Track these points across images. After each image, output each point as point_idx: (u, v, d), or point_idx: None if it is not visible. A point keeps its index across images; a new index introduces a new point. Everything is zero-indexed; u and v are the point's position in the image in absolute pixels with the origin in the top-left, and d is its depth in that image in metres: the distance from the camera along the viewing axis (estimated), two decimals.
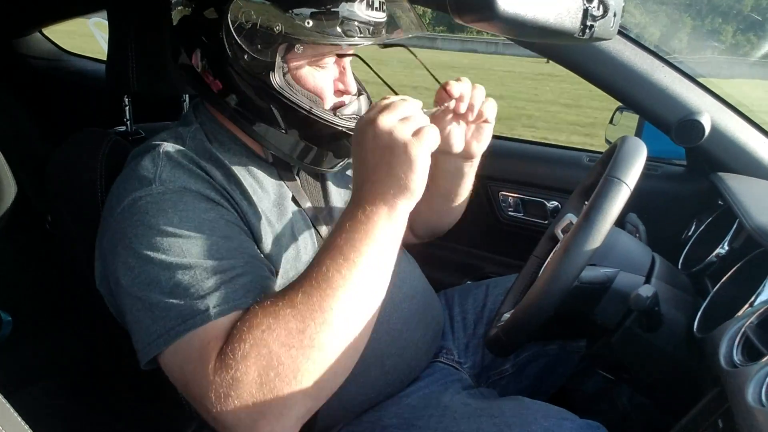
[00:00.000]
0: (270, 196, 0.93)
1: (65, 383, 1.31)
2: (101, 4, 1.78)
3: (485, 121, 0.97)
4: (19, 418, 0.53)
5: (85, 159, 0.99)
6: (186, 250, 0.75)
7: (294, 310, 0.68)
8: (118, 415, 1.17)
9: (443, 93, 0.92)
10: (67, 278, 1.16)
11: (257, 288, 0.75)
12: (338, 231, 0.72)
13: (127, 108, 1.16)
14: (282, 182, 0.97)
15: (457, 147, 0.99)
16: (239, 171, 0.90)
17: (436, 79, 0.94)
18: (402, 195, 0.71)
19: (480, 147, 1.02)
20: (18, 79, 2.12)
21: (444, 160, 1.05)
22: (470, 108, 0.94)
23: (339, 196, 1.06)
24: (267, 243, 0.88)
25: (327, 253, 0.71)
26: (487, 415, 0.91)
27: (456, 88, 0.91)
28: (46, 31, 2.27)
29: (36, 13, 2.00)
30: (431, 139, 0.72)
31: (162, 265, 0.74)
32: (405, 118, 0.72)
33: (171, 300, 0.72)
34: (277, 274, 0.87)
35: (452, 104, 0.93)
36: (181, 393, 0.75)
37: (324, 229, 0.99)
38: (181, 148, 0.87)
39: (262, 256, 0.85)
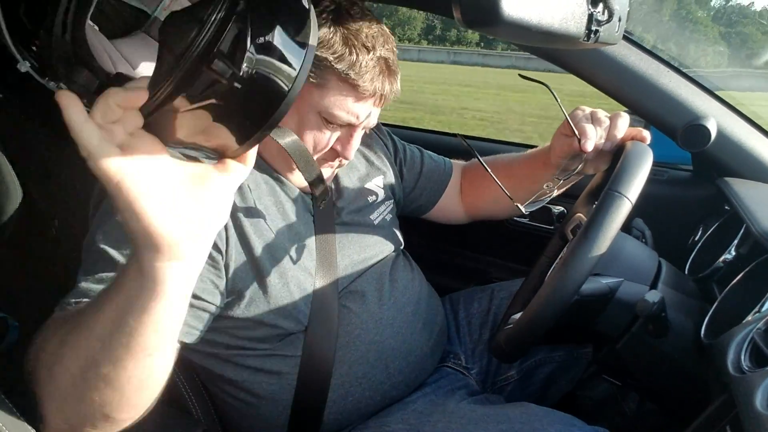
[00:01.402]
0: (273, 192, 0.95)
1: None
2: None
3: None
4: (27, 425, 0.53)
5: None
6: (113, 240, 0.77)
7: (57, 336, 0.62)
8: None
9: (575, 143, 0.97)
10: (74, 283, 1.16)
11: None
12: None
13: None
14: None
15: (575, 168, 1.06)
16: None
17: (572, 126, 0.97)
18: (140, 239, 0.50)
19: (598, 170, 1.07)
20: (25, 85, 2.13)
21: (554, 170, 1.10)
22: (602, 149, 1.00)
23: (346, 175, 1.09)
24: (258, 241, 0.89)
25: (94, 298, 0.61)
26: (493, 422, 0.91)
27: (590, 143, 0.95)
28: None
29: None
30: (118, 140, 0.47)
31: (87, 245, 0.79)
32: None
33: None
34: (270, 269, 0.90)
35: (589, 156, 1.01)
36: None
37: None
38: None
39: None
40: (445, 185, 1.29)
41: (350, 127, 0.94)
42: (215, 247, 0.84)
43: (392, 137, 1.28)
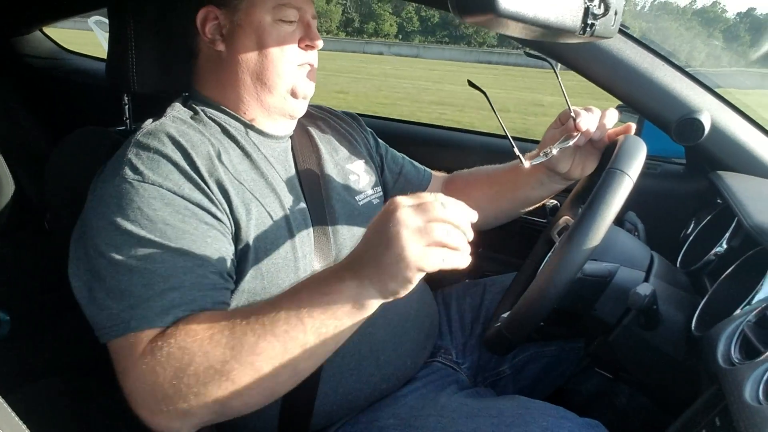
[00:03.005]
0: (257, 163, 0.96)
1: (63, 383, 1.31)
2: (102, 2, 1.78)
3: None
4: (17, 418, 0.53)
5: (85, 157, 0.99)
6: (133, 252, 0.77)
7: (230, 337, 0.71)
8: (118, 415, 1.17)
9: (570, 123, 0.99)
10: (65, 277, 1.16)
11: (183, 304, 0.77)
12: (309, 285, 0.73)
13: (127, 107, 1.16)
14: (273, 146, 1.02)
15: (562, 168, 1.06)
16: (224, 141, 0.94)
17: (569, 106, 0.99)
18: (376, 288, 0.69)
19: (584, 173, 1.08)
20: (18, 78, 2.12)
21: (539, 174, 1.10)
22: (592, 137, 1.01)
23: (330, 157, 1.11)
24: (243, 211, 0.89)
25: (287, 299, 0.72)
26: (485, 415, 0.91)
27: (584, 121, 0.97)
28: (47, 29, 2.27)
29: (36, 12, 2.00)
30: (436, 260, 0.66)
31: (111, 262, 0.77)
32: (424, 228, 0.65)
33: (108, 301, 0.76)
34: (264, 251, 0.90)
35: (581, 141, 1.00)
36: None
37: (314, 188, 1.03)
38: (157, 129, 0.88)
39: (214, 255, 0.83)
40: (423, 191, 1.30)
41: (302, 19, 0.99)
42: (224, 223, 0.87)
43: (373, 135, 1.30)
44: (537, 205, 1.21)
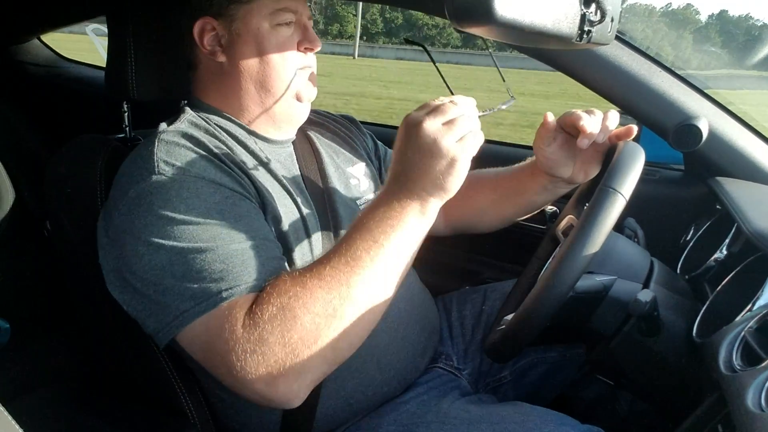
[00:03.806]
0: (268, 167, 0.96)
1: (64, 390, 1.30)
2: (100, 10, 1.78)
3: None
4: (18, 426, 0.52)
5: (84, 165, 0.98)
6: (196, 236, 0.77)
7: (321, 282, 0.75)
8: (119, 422, 1.17)
9: (552, 121, 0.99)
10: (66, 284, 1.16)
11: (267, 270, 0.79)
12: (371, 214, 0.78)
13: (126, 114, 1.16)
14: (277, 151, 1.02)
15: (565, 173, 1.05)
16: (236, 146, 0.94)
17: (510, 99, 0.97)
18: (437, 195, 0.76)
19: (587, 176, 1.06)
20: (16, 86, 2.12)
21: (542, 179, 1.09)
22: (594, 140, 0.98)
23: (331, 161, 1.10)
24: (270, 211, 0.90)
25: (358, 233, 0.77)
26: (487, 422, 0.91)
27: (588, 125, 0.95)
28: (45, 37, 2.27)
29: (34, 20, 2.00)
30: (473, 145, 0.75)
31: (173, 251, 0.77)
32: (450, 123, 0.74)
33: (184, 284, 0.76)
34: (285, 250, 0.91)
35: (584, 144, 0.96)
36: (201, 364, 0.80)
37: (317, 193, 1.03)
38: (179, 130, 0.89)
39: (270, 232, 0.87)
40: None
41: (299, 22, 0.99)
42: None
43: (372, 137, 1.29)
44: (538, 210, 1.21)
